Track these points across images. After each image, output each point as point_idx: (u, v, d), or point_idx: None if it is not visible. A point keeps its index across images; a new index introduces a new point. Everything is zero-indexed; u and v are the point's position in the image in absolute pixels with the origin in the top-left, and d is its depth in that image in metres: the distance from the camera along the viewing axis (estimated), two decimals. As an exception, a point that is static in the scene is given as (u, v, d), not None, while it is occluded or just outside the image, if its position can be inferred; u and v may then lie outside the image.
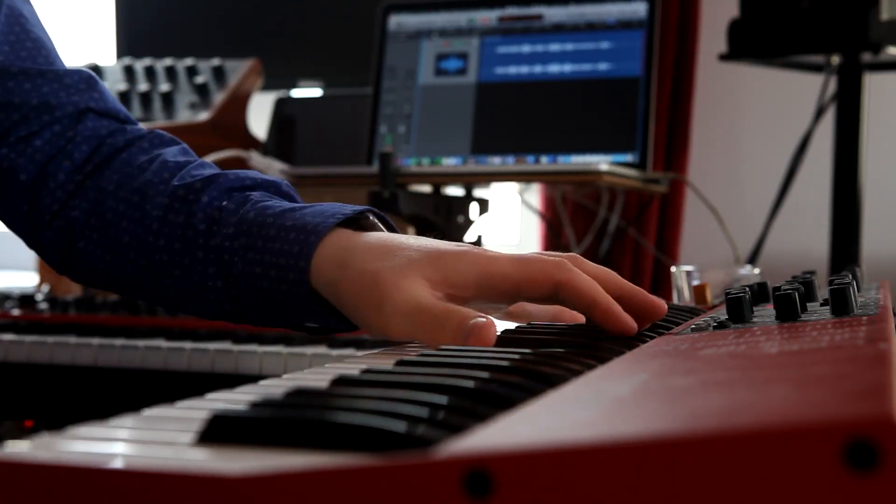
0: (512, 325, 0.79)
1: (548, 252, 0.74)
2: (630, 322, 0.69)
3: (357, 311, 0.74)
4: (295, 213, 0.79)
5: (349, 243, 0.75)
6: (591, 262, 0.73)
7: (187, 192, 0.84)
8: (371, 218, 0.81)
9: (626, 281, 0.72)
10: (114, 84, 1.91)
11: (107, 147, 0.90)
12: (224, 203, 0.83)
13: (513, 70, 1.79)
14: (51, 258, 0.92)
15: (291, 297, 0.78)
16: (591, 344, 0.63)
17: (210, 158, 1.70)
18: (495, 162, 1.75)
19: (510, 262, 0.71)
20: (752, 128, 2.26)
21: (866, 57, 1.68)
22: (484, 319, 0.66)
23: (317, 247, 0.76)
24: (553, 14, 1.79)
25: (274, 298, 0.79)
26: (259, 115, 2.01)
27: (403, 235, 0.77)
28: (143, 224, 0.85)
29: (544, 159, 1.73)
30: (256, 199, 0.82)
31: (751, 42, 1.69)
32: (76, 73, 0.92)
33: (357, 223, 0.79)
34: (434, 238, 0.76)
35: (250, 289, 0.80)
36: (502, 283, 0.71)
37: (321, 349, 1.18)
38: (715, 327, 0.67)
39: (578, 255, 0.73)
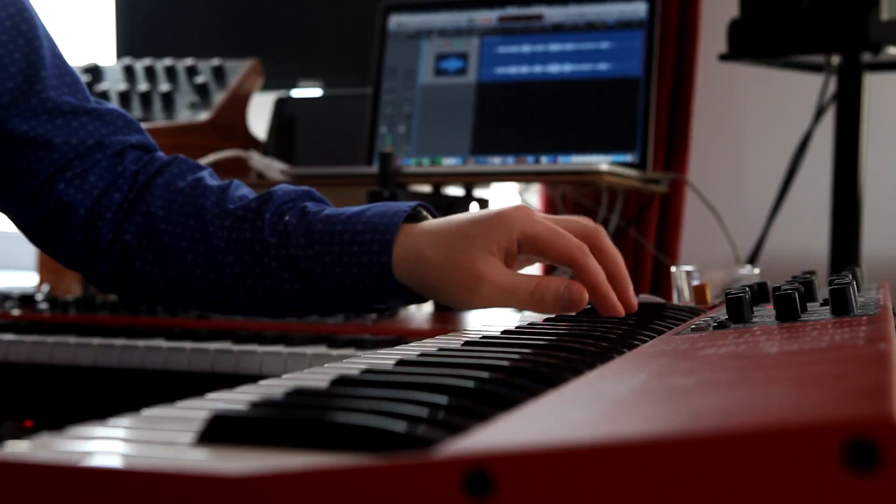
0: (513, 325, 0.80)
1: (578, 218, 0.89)
2: (620, 310, 0.85)
3: (448, 294, 0.89)
4: (360, 218, 0.93)
5: (417, 238, 0.90)
6: (609, 241, 0.88)
7: (246, 213, 0.97)
8: (423, 212, 0.95)
9: (624, 270, 0.88)
10: (114, 84, 1.91)
11: (143, 175, 1.01)
12: (286, 218, 0.95)
13: (513, 70, 1.79)
14: (104, 279, 1.02)
15: (374, 288, 0.92)
16: (591, 344, 0.63)
17: (210, 158, 1.70)
18: (495, 162, 1.75)
19: (544, 228, 0.87)
20: (752, 128, 2.26)
21: (866, 57, 1.68)
22: (575, 285, 0.84)
23: (393, 243, 0.90)
24: (553, 14, 1.79)
25: (355, 292, 0.93)
26: (259, 115, 2.01)
27: (450, 217, 0.91)
28: (206, 243, 0.97)
29: (544, 159, 1.73)
30: (314, 210, 0.95)
31: (751, 42, 1.69)
32: (113, 111, 1.03)
33: (412, 217, 0.93)
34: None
35: (330, 287, 0.93)
36: (534, 245, 0.87)
37: (321, 349, 1.18)
38: (715, 327, 0.67)
39: (602, 230, 0.89)
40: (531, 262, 0.95)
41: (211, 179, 1.01)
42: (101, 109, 1.02)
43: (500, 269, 0.87)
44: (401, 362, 0.56)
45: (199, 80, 1.87)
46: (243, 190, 1.00)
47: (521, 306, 0.87)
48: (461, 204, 1.73)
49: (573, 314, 0.86)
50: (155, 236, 0.99)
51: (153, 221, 0.99)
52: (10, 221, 1.04)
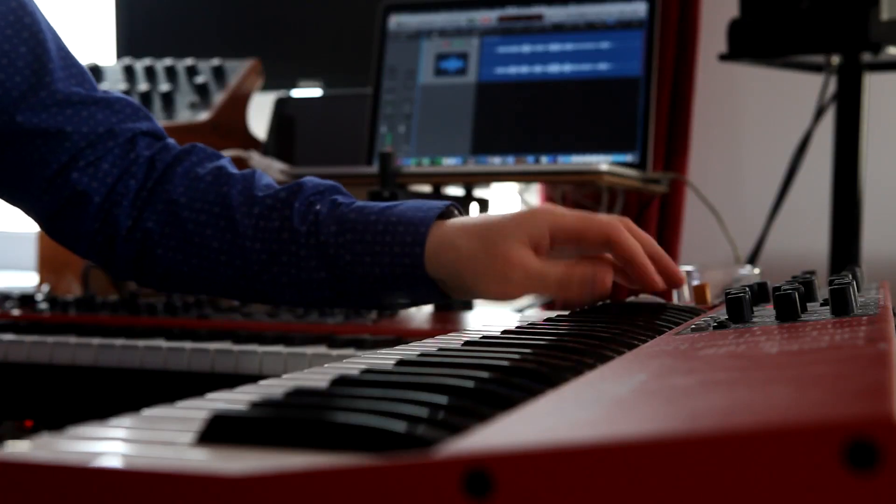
0: (513, 325, 0.80)
1: (604, 215, 0.91)
2: (658, 280, 0.88)
3: (481, 284, 0.91)
4: (393, 211, 0.94)
5: (450, 231, 0.92)
6: (638, 228, 0.90)
7: (275, 201, 0.98)
8: (454, 212, 0.97)
9: (662, 250, 0.91)
10: (114, 84, 1.91)
11: (159, 163, 1.02)
12: (318, 207, 0.96)
13: (513, 70, 1.78)
14: (123, 267, 1.03)
15: (402, 280, 0.93)
16: (591, 344, 0.63)
17: (210, 158, 1.69)
18: (495, 162, 1.75)
19: (575, 217, 0.90)
20: (752, 128, 2.26)
21: (866, 57, 1.68)
22: (599, 271, 0.87)
23: (427, 236, 0.92)
24: (553, 14, 1.78)
25: (383, 282, 0.94)
26: (259, 115, 2.01)
27: (483, 214, 0.95)
28: (233, 230, 0.98)
29: (544, 159, 1.73)
30: (346, 202, 0.97)
31: (751, 42, 1.69)
32: (122, 100, 1.04)
33: (444, 216, 0.95)
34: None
35: (357, 275, 0.95)
36: (569, 234, 0.89)
37: (321, 349, 1.18)
38: (715, 327, 0.67)
39: (630, 220, 0.90)
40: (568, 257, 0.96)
41: (232, 168, 1.02)
42: (109, 98, 1.03)
43: (531, 257, 0.89)
44: (401, 362, 0.56)
45: (199, 80, 1.87)
46: (267, 179, 1.01)
47: (550, 292, 0.90)
48: (461, 204, 1.73)
49: (573, 314, 0.86)
50: (178, 223, 1.00)
51: (176, 208, 1.00)
52: (25, 213, 1.05)
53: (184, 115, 1.83)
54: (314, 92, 2.06)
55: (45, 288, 1.65)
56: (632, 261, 0.88)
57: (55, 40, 1.02)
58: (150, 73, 1.91)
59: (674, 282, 0.90)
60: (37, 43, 1.00)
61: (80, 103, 1.01)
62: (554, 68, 1.77)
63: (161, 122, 1.80)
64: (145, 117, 1.05)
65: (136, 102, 1.05)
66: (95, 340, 1.24)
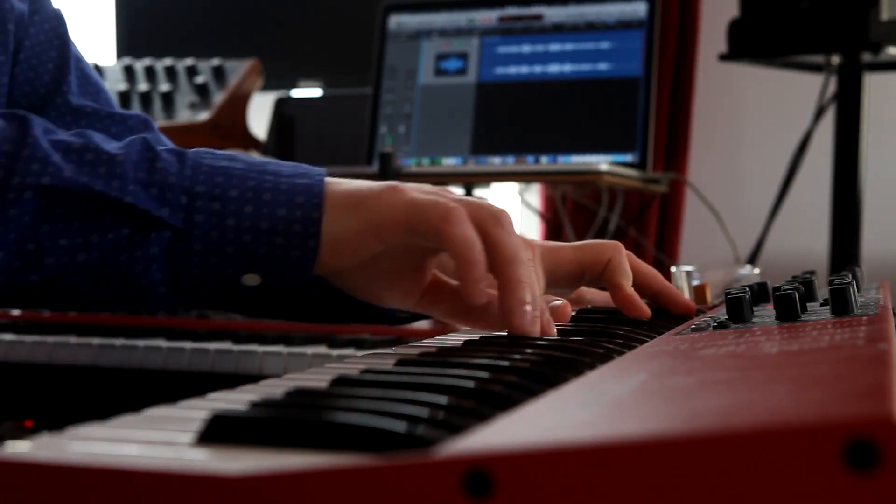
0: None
1: (599, 241, 0.86)
2: (646, 310, 0.79)
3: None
4: None
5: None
6: (638, 259, 0.84)
7: None
8: None
9: (665, 281, 0.85)
10: (114, 84, 1.91)
11: None
12: None
13: (513, 70, 1.78)
14: None
15: None
16: (591, 344, 0.63)
17: (210, 158, 1.69)
18: (495, 162, 1.75)
19: (572, 248, 0.84)
20: (752, 128, 2.26)
21: (866, 57, 1.68)
22: (560, 301, 0.79)
23: None
24: (553, 14, 1.78)
25: None
26: (259, 115, 2.01)
27: None
28: None
29: (544, 159, 1.73)
30: None
31: (751, 42, 1.69)
32: (135, 116, 1.04)
33: None
34: None
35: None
36: (570, 268, 0.82)
37: (321, 349, 1.18)
38: (715, 327, 0.67)
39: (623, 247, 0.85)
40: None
41: None
42: (123, 114, 1.04)
43: None
44: (401, 362, 0.56)
45: (199, 80, 1.87)
46: None
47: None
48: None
49: (574, 315, 0.86)
50: None
51: None
52: None
53: (184, 115, 1.83)
54: (314, 92, 2.06)
55: (45, 288, 1.65)
56: (618, 288, 0.82)
57: (76, 55, 1.04)
58: (150, 73, 1.91)
59: (686, 312, 0.84)
60: (62, 58, 1.02)
61: (92, 115, 1.02)
62: (554, 68, 1.77)
63: (161, 122, 1.80)
64: (154, 132, 1.05)
65: (151, 121, 1.06)
66: (95, 340, 1.24)
